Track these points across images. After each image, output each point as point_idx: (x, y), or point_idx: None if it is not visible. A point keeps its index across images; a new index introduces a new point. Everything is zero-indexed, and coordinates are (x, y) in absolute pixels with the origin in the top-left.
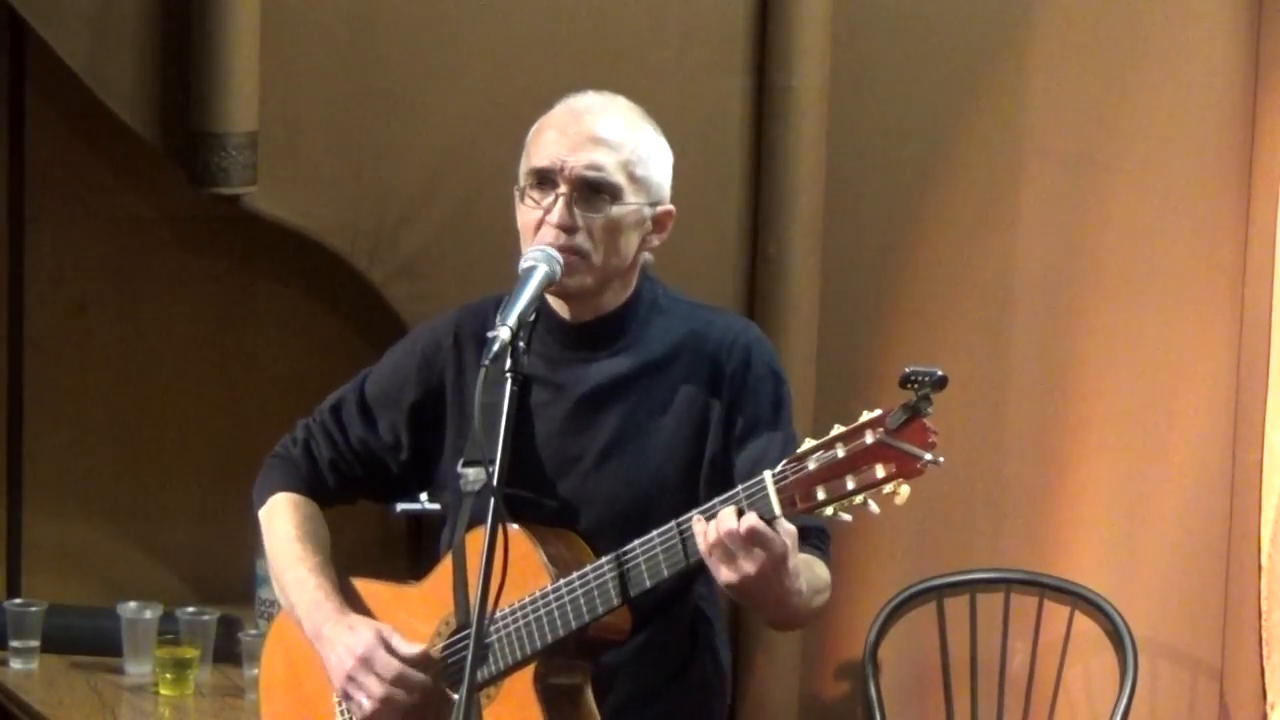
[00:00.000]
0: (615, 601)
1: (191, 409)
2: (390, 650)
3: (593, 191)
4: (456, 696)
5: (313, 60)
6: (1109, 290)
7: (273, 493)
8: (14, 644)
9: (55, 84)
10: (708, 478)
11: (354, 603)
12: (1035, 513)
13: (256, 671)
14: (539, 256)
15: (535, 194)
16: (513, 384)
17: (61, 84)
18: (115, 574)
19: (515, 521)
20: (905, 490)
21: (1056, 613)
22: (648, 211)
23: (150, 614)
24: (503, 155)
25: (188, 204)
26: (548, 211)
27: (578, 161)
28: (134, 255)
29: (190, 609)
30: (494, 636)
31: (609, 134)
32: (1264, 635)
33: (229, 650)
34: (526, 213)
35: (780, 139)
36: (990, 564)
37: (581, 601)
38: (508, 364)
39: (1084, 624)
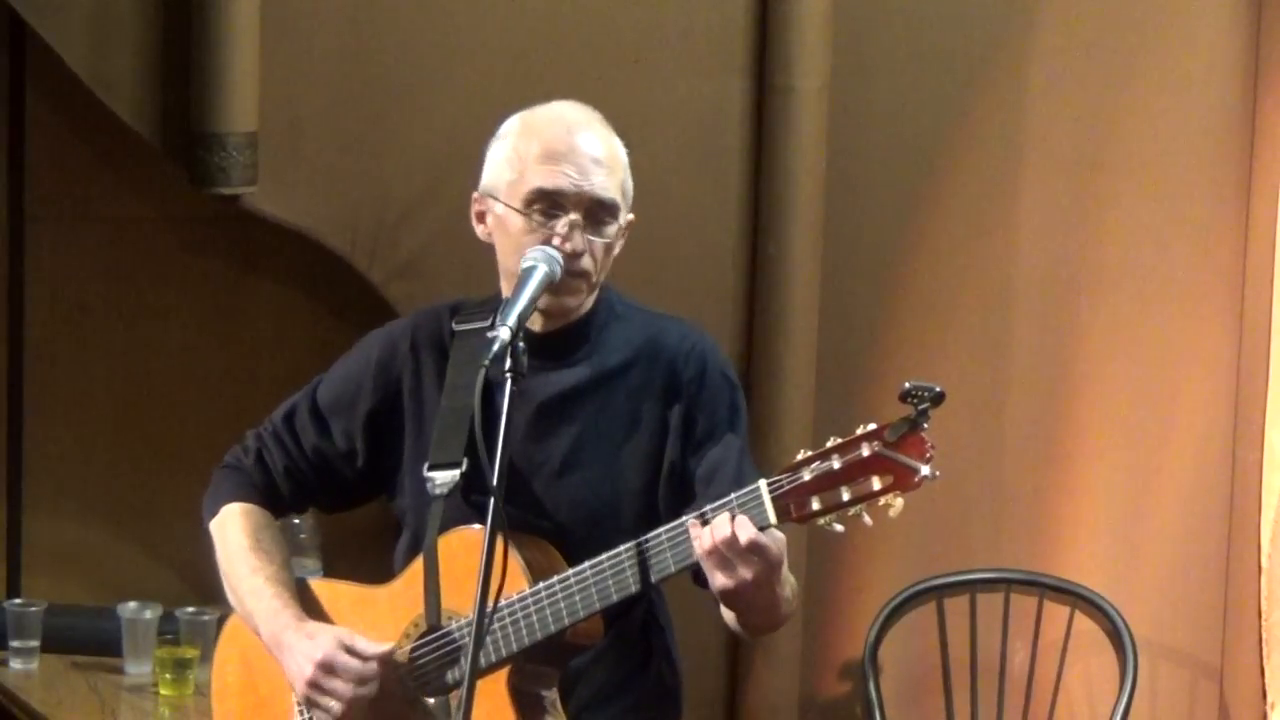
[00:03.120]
0: (596, 607)
1: (191, 409)
2: (351, 652)
3: (600, 215)
4: (428, 700)
5: (313, 60)
6: (1109, 290)
7: (225, 503)
8: (14, 644)
9: (55, 84)
10: (667, 483)
11: (318, 605)
12: (1035, 513)
13: None
14: (539, 257)
15: (540, 217)
16: (512, 384)
17: (61, 84)
18: (115, 574)
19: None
20: (899, 503)
21: (1056, 613)
22: (624, 223)
23: (150, 614)
24: None
25: (188, 204)
26: (562, 239)
27: (591, 187)
28: (134, 255)
29: (190, 609)
30: (469, 638)
31: (603, 153)
32: (1264, 635)
33: None
34: (525, 233)
35: (780, 139)
36: (990, 564)
37: (562, 606)
38: (507, 364)
39: (1084, 624)
